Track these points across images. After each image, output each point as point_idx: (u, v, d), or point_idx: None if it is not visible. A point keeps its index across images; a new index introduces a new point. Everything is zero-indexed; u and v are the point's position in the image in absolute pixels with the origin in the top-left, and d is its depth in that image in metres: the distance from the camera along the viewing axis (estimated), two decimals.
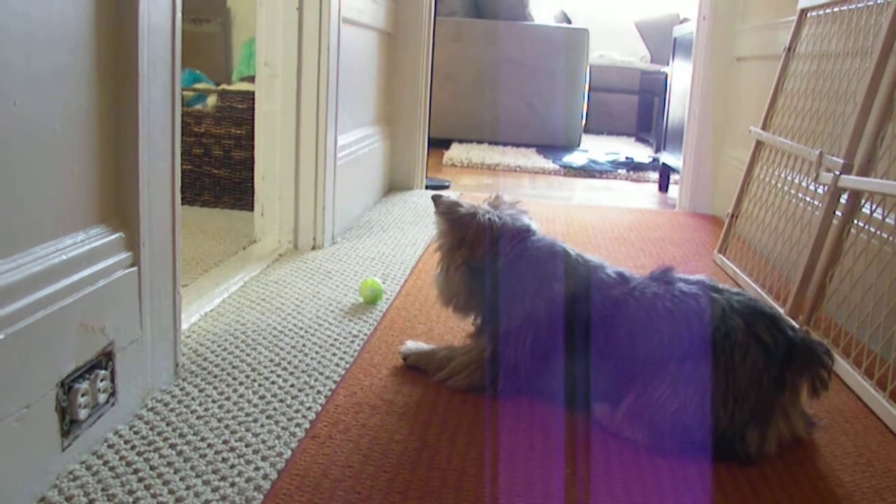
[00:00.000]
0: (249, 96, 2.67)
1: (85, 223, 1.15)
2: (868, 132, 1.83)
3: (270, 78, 2.32)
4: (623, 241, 2.78)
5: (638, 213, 3.41)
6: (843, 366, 1.65)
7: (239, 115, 2.79)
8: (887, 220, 1.72)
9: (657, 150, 4.95)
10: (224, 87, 2.94)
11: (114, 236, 1.20)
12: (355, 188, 2.82)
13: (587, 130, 6.34)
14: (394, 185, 3.54)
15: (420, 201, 3.26)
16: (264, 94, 2.34)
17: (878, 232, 1.75)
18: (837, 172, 1.87)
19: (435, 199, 1.58)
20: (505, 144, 5.51)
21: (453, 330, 1.77)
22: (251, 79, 2.80)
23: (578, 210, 3.37)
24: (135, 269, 1.24)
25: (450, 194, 1.58)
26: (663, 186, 4.20)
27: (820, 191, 2.03)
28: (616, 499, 1.14)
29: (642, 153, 5.52)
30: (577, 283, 1.44)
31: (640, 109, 6.62)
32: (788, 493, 1.18)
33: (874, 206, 1.78)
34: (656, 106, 5.72)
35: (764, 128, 2.52)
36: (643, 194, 4.10)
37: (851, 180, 1.82)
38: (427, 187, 3.65)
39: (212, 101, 2.84)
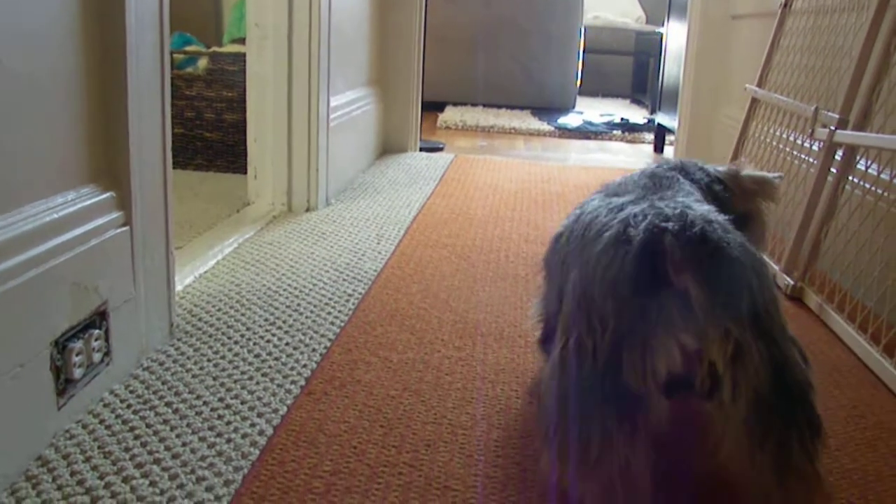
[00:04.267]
0: (241, 58, 2.64)
1: (76, 182, 1.14)
2: (864, 87, 1.82)
3: (261, 39, 2.29)
4: None
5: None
6: (837, 321, 1.65)
7: (230, 77, 2.76)
8: (882, 175, 1.72)
9: (652, 111, 4.93)
10: (215, 49, 2.91)
11: (105, 195, 1.19)
12: (349, 150, 2.81)
13: (582, 92, 6.30)
14: (387, 148, 3.52)
15: (414, 163, 3.24)
16: (255, 55, 2.31)
17: (873, 188, 1.75)
18: (833, 128, 1.86)
19: None
20: (499, 107, 5.48)
21: (448, 289, 1.77)
22: (242, 41, 2.77)
23: (574, 171, 3.36)
24: (127, 228, 1.23)
25: None
26: (659, 147, 4.19)
27: (815, 147, 2.02)
28: None
29: (637, 114, 5.49)
30: None
31: (635, 70, 6.57)
32: None
33: (869, 162, 1.78)
34: (651, 67, 5.68)
35: (760, 85, 2.51)
36: (639, 155, 4.08)
37: (847, 135, 1.82)
38: (421, 149, 3.63)
39: (203, 63, 2.81)
